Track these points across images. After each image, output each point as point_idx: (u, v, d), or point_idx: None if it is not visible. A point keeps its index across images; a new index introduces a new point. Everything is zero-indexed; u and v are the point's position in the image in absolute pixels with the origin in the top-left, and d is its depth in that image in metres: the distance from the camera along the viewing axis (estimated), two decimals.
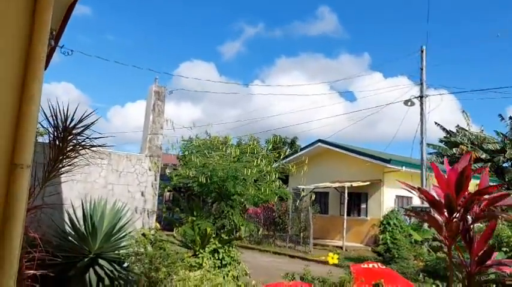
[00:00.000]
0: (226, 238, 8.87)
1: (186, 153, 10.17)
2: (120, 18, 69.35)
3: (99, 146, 4.44)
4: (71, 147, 4.35)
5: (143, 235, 8.31)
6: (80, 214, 7.55)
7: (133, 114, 58.44)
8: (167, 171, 10.16)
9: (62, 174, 4.38)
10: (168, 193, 22.88)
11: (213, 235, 8.67)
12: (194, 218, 8.91)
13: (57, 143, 4.38)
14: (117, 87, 73.64)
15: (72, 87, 62.66)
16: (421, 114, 16.86)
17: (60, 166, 4.40)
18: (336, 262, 5.36)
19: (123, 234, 7.73)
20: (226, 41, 76.27)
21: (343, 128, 35.38)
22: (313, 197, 16.19)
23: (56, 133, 4.37)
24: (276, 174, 9.39)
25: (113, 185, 8.86)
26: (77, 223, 7.44)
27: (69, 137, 4.36)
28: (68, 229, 7.60)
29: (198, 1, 68.16)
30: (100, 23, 68.01)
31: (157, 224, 9.44)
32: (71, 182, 8.33)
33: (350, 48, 72.66)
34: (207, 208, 10.67)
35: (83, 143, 4.35)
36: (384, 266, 5.02)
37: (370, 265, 4.95)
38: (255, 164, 8.92)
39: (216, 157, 9.13)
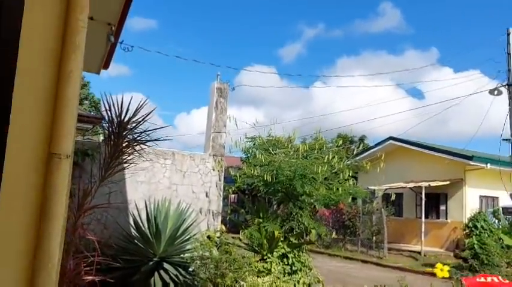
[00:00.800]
0: (296, 241, 8.25)
1: (250, 151, 9.67)
2: (182, 29, 71.75)
3: (155, 140, 4.03)
4: (127, 142, 3.99)
5: (208, 237, 7.95)
6: (144, 215, 7.35)
7: (199, 120, 59.67)
8: (231, 171, 9.74)
9: (118, 172, 4.03)
10: (233, 195, 22.76)
11: (281, 239, 8.09)
12: (260, 220, 8.39)
13: (113, 138, 4.04)
14: (182, 94, 75.97)
15: (142, 97, 65.62)
16: (510, 104, 14.95)
17: (117, 163, 4.05)
18: (447, 275, 4.44)
19: (187, 237, 7.41)
20: (286, 44, 75.60)
21: (415, 125, 33.30)
22: (393, 197, 14.90)
23: (110, 128, 4.04)
24: (349, 171, 8.55)
25: (176, 186, 8.61)
26: (141, 225, 7.24)
27: (125, 133, 4.00)
28: (133, 231, 7.44)
29: (257, 7, 68.29)
30: (164, 34, 70.77)
31: (223, 226, 9.05)
32: (135, 183, 8.20)
33: (415, 43, 68.67)
34: (273, 210, 10.11)
35: (138, 138, 3.97)
36: (507, 281, 4.06)
37: (488, 279, 4.01)
38: (325, 160, 8.16)
39: (281, 155, 8.52)
